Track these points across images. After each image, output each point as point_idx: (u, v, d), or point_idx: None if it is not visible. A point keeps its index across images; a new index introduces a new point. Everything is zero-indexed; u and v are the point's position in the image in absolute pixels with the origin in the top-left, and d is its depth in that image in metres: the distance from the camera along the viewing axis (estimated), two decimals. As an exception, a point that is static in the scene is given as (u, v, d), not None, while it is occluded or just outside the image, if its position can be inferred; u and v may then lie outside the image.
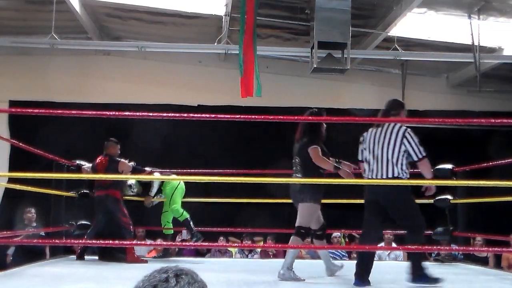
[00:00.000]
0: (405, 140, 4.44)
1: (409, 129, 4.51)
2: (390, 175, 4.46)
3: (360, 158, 4.74)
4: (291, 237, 5.01)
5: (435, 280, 4.46)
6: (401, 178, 4.46)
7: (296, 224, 5.01)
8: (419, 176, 4.74)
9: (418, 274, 4.44)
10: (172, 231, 6.91)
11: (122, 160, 6.39)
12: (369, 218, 4.59)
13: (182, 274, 1.38)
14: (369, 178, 4.58)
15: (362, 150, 4.70)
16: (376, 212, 4.53)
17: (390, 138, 4.47)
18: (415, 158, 4.46)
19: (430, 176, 4.59)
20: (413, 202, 4.58)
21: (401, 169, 4.46)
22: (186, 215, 6.66)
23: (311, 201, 4.92)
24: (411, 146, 4.44)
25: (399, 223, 4.69)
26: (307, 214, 4.96)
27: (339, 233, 8.35)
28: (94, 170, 6.39)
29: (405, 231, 4.67)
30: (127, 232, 6.22)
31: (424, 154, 4.45)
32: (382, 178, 4.47)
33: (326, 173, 5.08)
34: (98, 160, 6.44)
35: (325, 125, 5.22)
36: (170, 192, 6.75)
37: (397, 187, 4.45)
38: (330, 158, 5.06)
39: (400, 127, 4.50)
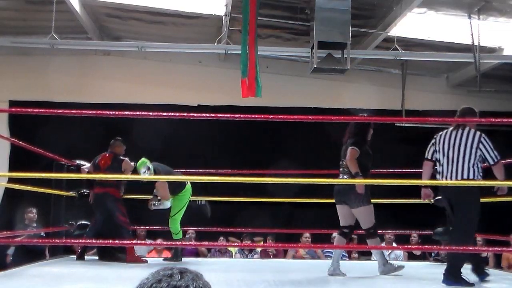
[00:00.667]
0: (481, 145, 4.62)
1: (483, 134, 4.67)
2: (465, 177, 4.58)
3: (428, 157, 4.84)
4: (368, 241, 5.28)
5: (471, 285, 4.51)
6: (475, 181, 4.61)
7: (364, 228, 5.23)
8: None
9: (455, 277, 4.50)
10: (181, 236, 6.47)
11: (126, 159, 6.38)
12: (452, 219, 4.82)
13: (186, 272, 1.40)
14: (440, 180, 4.74)
15: (433, 150, 4.81)
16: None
17: (466, 142, 4.63)
18: (491, 162, 4.63)
19: (503, 178, 4.71)
20: (478, 209, 4.66)
21: (477, 171, 4.61)
22: (181, 235, 6.45)
23: (366, 203, 5.16)
24: (487, 150, 4.62)
25: (455, 221, 4.76)
26: (368, 215, 5.19)
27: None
28: (97, 166, 6.36)
29: (454, 231, 4.80)
30: (126, 232, 6.19)
31: (499, 157, 4.63)
32: (456, 180, 4.61)
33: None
34: (101, 156, 6.43)
35: (372, 129, 5.37)
36: (182, 200, 6.33)
37: (470, 189, 4.56)
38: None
39: (476, 132, 4.67)
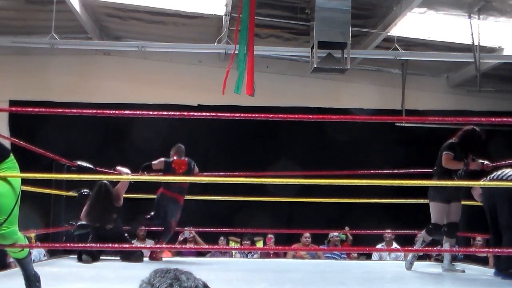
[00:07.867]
0: None
1: None
2: None
3: None
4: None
5: None
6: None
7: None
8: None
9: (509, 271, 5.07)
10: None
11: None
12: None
13: (185, 272, 1.39)
14: None
15: None
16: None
17: None
18: None
19: None
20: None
21: None
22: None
23: (435, 200, 5.41)
24: None
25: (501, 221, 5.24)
26: (435, 212, 5.45)
27: (337, 233, 8.34)
28: (173, 171, 6.38)
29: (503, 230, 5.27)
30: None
31: None
32: None
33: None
34: (177, 162, 6.46)
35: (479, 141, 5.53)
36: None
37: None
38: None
39: None
